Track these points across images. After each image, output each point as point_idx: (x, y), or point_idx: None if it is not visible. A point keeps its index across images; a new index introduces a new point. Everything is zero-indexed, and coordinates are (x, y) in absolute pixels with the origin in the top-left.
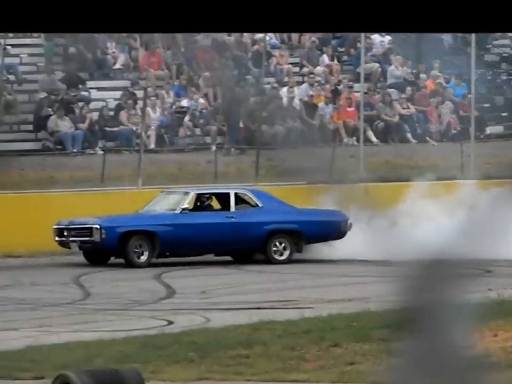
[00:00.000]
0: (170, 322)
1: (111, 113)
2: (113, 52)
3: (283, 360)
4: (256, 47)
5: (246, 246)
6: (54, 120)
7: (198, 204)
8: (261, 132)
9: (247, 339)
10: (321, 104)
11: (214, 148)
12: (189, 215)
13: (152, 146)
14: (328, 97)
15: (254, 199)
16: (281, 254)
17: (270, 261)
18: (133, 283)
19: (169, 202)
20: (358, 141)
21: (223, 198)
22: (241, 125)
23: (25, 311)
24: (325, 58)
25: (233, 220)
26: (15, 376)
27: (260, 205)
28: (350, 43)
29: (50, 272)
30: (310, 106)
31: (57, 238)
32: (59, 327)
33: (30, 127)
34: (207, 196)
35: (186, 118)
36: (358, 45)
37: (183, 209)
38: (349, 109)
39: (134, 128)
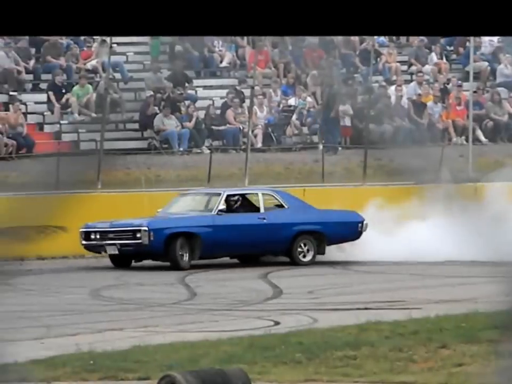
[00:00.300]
0: (277, 323)
1: (218, 111)
2: (220, 50)
3: (391, 361)
4: (364, 45)
5: (274, 247)
6: (160, 119)
7: (229, 205)
8: (368, 130)
9: (355, 340)
10: (429, 103)
11: (321, 146)
12: (225, 217)
13: (259, 145)
14: (436, 96)
15: (280, 199)
16: (305, 256)
17: (295, 263)
18: (239, 283)
19: (195, 204)
20: (467, 140)
21: (252, 199)
22: (348, 123)
23: (130, 311)
24: (433, 57)
25: (265, 221)
26: (120, 376)
27: (285, 205)
28: (459, 42)
29: (156, 273)
30: (419, 105)
31: (84, 242)
32: (164, 327)
33: (136, 126)
34: (236, 196)
35: (294, 117)
36: (467, 43)
37: (220, 210)
38: (458, 108)
39: (241, 127)
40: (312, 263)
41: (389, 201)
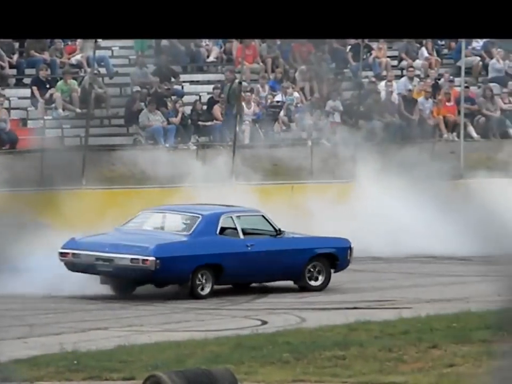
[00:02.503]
0: (264, 322)
1: (204, 107)
2: (207, 45)
3: (380, 361)
4: (354, 39)
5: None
6: (146, 114)
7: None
8: (358, 126)
9: (343, 340)
10: (420, 99)
11: (310, 143)
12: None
13: (247, 141)
14: (427, 92)
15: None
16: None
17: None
18: None
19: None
20: (458, 136)
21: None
22: (337, 119)
23: (115, 310)
24: (424, 52)
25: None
26: (104, 376)
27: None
28: None
29: None
30: (409, 101)
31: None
32: (150, 327)
33: (121, 121)
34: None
35: (282, 113)
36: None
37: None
38: (448, 104)
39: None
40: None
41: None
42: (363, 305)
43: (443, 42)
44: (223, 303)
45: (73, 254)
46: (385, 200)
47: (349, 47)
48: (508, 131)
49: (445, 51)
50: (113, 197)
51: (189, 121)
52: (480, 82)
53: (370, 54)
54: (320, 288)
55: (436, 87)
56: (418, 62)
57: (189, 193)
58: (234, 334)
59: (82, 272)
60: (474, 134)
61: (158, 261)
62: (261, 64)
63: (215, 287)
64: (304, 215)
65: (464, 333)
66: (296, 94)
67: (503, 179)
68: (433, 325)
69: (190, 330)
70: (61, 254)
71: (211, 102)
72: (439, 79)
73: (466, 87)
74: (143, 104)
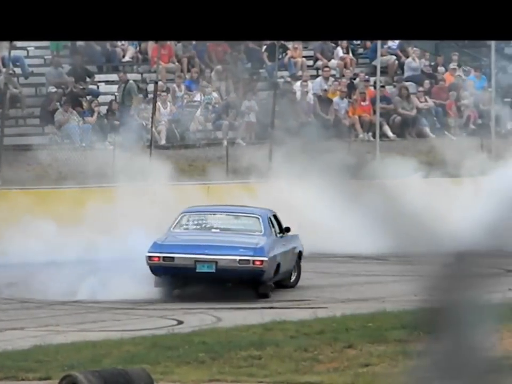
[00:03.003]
0: (180, 322)
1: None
2: (123, 44)
3: (296, 361)
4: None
5: None
6: (61, 114)
7: None
8: (273, 126)
9: (259, 340)
10: (336, 99)
11: (225, 143)
12: None
13: (163, 142)
14: (343, 92)
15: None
16: None
17: None
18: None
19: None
20: (374, 136)
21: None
22: (253, 119)
23: (31, 309)
24: (340, 51)
25: None
26: (21, 376)
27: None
28: None
29: None
30: (325, 101)
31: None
32: (66, 327)
33: (37, 121)
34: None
35: (198, 113)
36: None
37: None
38: (363, 104)
39: (144, 123)
40: None
41: None
42: (279, 305)
43: (358, 42)
44: (139, 303)
45: (164, 257)
46: (299, 199)
47: (264, 47)
48: (424, 130)
49: (360, 50)
50: (29, 197)
51: (105, 120)
52: (396, 82)
53: (286, 54)
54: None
55: (351, 87)
56: (333, 62)
57: (107, 193)
58: (150, 334)
59: (173, 275)
60: (390, 134)
61: (268, 261)
62: (177, 63)
63: None
64: None
65: (379, 333)
66: (214, 94)
67: (419, 178)
68: (348, 324)
69: (106, 330)
70: (149, 258)
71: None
72: (354, 79)
73: (382, 86)
74: (58, 104)
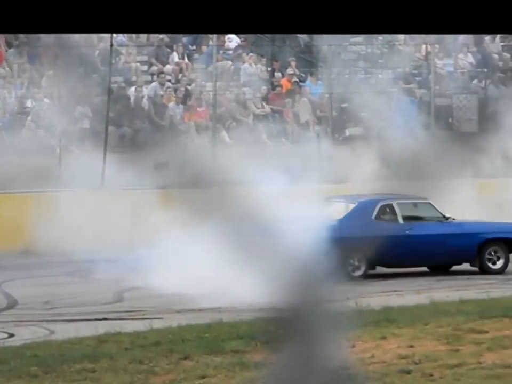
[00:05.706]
0: (11, 335)
1: None
2: None
3: (131, 374)
4: (102, 44)
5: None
6: None
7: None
8: (107, 133)
9: (93, 352)
10: (171, 104)
11: (58, 150)
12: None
13: None
14: (178, 97)
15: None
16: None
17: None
18: None
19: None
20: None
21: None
22: (86, 125)
23: None
24: (175, 57)
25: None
26: None
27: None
28: (202, 40)
29: None
30: (160, 106)
31: None
32: None
33: None
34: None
35: (29, 119)
36: (210, 42)
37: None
38: (199, 109)
39: None
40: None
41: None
42: (113, 316)
43: (194, 47)
44: None
45: None
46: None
47: (97, 51)
48: (261, 136)
49: (196, 55)
50: None
51: None
52: (233, 87)
53: (120, 59)
54: (499, 271)
55: (187, 92)
56: (168, 67)
57: None
58: None
59: None
60: (227, 139)
61: None
62: (7, 69)
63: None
64: (57, 225)
65: (216, 344)
66: (46, 100)
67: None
68: (185, 335)
69: None
70: None
71: None
72: (190, 84)
73: (218, 92)
74: None
